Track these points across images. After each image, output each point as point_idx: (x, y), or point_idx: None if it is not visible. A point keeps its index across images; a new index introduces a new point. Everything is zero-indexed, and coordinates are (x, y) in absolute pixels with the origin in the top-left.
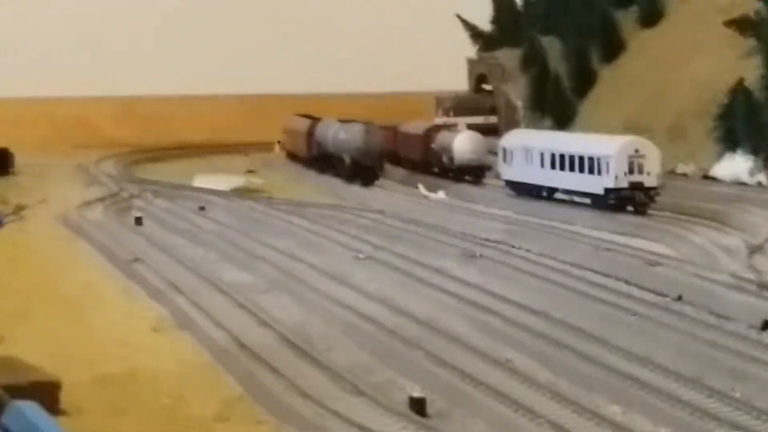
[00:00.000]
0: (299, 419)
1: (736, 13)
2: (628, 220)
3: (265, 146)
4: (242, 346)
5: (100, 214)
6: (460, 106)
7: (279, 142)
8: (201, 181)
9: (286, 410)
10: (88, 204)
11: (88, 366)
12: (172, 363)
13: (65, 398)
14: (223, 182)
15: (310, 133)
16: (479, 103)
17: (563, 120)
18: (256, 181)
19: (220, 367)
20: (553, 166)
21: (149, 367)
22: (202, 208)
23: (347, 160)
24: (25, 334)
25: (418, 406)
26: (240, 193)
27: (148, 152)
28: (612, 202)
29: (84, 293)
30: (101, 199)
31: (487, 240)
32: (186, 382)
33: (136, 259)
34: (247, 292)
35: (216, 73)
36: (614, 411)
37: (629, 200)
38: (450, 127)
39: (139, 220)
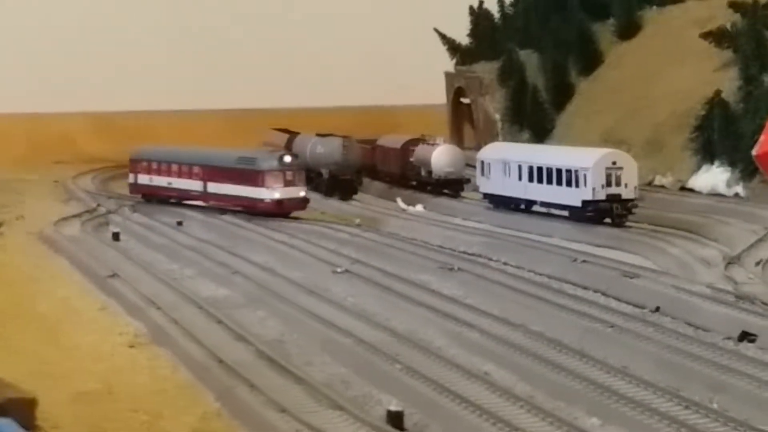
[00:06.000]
0: None
1: (712, 26)
2: (605, 232)
3: None
4: (220, 361)
5: (77, 230)
6: None
7: None
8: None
9: (263, 425)
10: (65, 220)
11: (65, 383)
12: (149, 379)
13: (42, 415)
14: None
15: (287, 148)
16: None
17: (541, 133)
18: None
19: (198, 382)
20: (530, 179)
21: (126, 384)
22: (179, 224)
23: (325, 174)
24: (1, 351)
25: (395, 419)
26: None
27: (126, 167)
28: (589, 214)
29: (61, 309)
30: (78, 215)
31: (465, 253)
32: (163, 399)
33: (114, 275)
34: (225, 307)
35: (197, 88)
36: (592, 423)
37: (607, 212)
38: (428, 141)
39: (116, 236)
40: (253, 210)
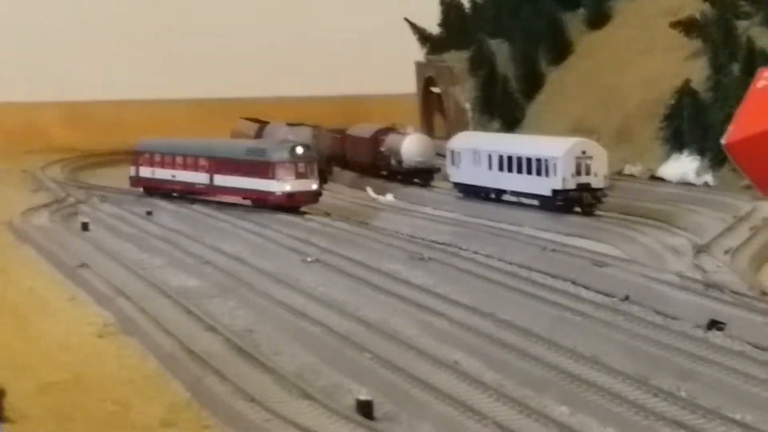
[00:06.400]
0: (246, 424)
1: (682, 15)
2: (575, 221)
3: None
4: (189, 351)
5: (46, 220)
6: None
7: None
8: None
9: (232, 415)
10: (34, 210)
11: (34, 373)
12: (118, 369)
13: (10, 405)
14: None
15: (258, 137)
16: None
17: (511, 122)
18: None
19: (167, 372)
20: (501, 168)
21: (95, 374)
22: (149, 213)
23: None
24: None
25: (365, 409)
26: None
27: (96, 157)
28: (559, 203)
29: (29, 300)
30: (47, 205)
31: (435, 242)
32: (132, 389)
33: (83, 265)
34: (195, 297)
35: (167, 77)
36: (561, 412)
37: (577, 201)
38: (398, 131)
39: (85, 226)
40: (262, 203)
